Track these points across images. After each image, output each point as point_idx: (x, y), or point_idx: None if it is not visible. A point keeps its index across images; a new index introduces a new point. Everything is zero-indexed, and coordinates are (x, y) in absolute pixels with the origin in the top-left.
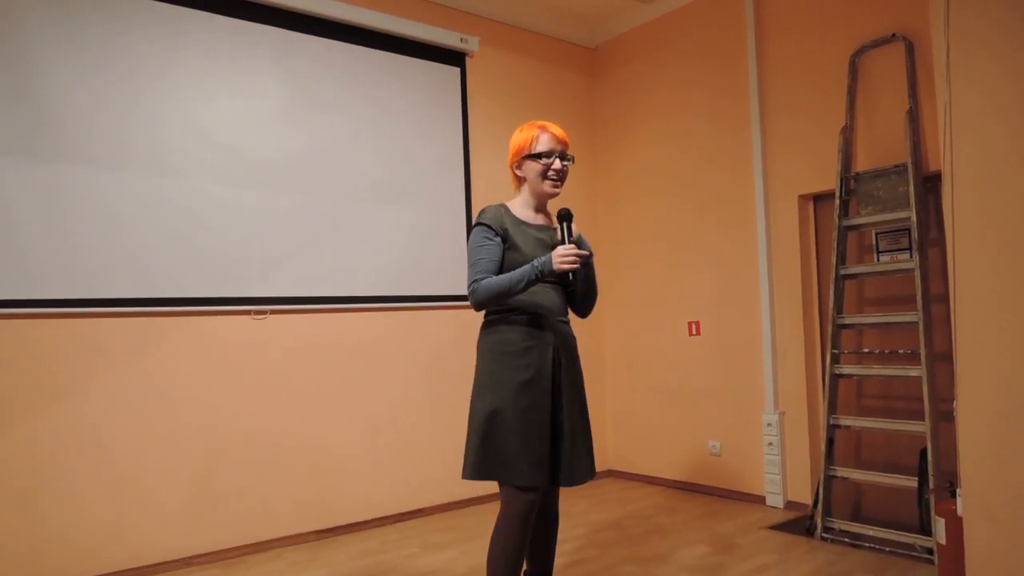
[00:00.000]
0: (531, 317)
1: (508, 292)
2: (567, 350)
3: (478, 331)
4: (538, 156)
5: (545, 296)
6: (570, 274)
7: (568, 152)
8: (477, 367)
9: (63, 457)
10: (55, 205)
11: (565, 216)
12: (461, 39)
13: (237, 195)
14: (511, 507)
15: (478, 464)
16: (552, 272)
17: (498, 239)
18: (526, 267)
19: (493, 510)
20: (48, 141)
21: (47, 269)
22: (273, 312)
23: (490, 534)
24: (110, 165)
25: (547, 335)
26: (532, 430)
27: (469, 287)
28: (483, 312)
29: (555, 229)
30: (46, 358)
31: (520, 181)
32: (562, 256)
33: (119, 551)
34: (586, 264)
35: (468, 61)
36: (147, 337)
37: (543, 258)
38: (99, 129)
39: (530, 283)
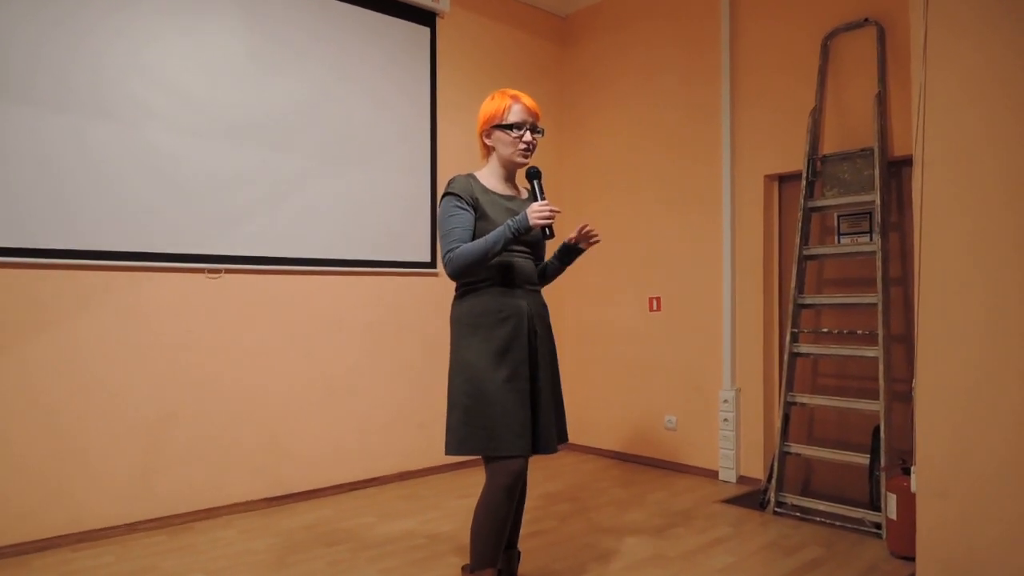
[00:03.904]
0: (504, 287)
1: (486, 256)
2: (540, 318)
3: (439, 298)
4: (509, 127)
5: (517, 265)
6: (546, 229)
7: (539, 124)
8: (452, 340)
9: (0, 418)
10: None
11: (535, 174)
12: None
13: (192, 148)
14: (498, 479)
15: (462, 439)
16: (527, 230)
17: (469, 208)
18: (500, 228)
19: (450, 480)
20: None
21: None
22: (228, 271)
23: (448, 504)
24: (56, 111)
25: (521, 304)
26: (514, 400)
27: (445, 257)
28: (454, 284)
29: (523, 199)
30: None
31: (488, 150)
32: (537, 212)
33: (59, 515)
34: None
35: (439, 21)
36: (91, 293)
37: (517, 217)
38: (48, 73)
39: (507, 243)
